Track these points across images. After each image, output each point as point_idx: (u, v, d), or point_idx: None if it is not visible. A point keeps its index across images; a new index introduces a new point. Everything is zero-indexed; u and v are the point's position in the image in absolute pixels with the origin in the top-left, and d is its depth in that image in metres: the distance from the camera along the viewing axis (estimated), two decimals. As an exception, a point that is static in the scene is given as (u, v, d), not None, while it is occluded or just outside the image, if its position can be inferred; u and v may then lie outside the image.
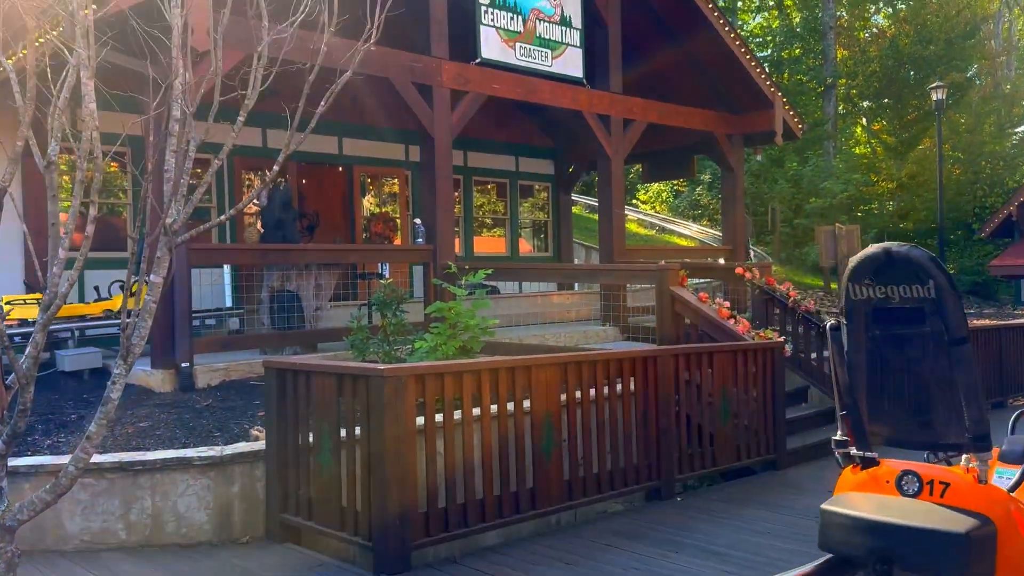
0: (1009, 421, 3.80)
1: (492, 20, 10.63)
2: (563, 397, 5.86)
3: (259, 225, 10.82)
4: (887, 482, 3.09)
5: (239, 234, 12.07)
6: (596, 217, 13.78)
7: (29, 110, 3.64)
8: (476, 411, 5.43)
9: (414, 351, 7.67)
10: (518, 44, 10.91)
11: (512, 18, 10.86)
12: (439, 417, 5.30)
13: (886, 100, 32.61)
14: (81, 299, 9.59)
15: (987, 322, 14.20)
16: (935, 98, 22.18)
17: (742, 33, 29.55)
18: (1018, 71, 36.86)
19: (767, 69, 19.87)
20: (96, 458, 5.15)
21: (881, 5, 34.56)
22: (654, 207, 34.65)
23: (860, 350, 3.22)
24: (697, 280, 14.35)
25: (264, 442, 5.68)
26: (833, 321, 3.34)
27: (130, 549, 5.27)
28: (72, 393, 7.48)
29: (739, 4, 35.67)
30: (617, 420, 6.36)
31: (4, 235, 8.52)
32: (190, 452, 5.55)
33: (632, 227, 27.09)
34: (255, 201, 10.41)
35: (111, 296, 9.31)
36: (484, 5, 10.54)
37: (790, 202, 27.60)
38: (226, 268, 10.04)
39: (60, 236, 3.65)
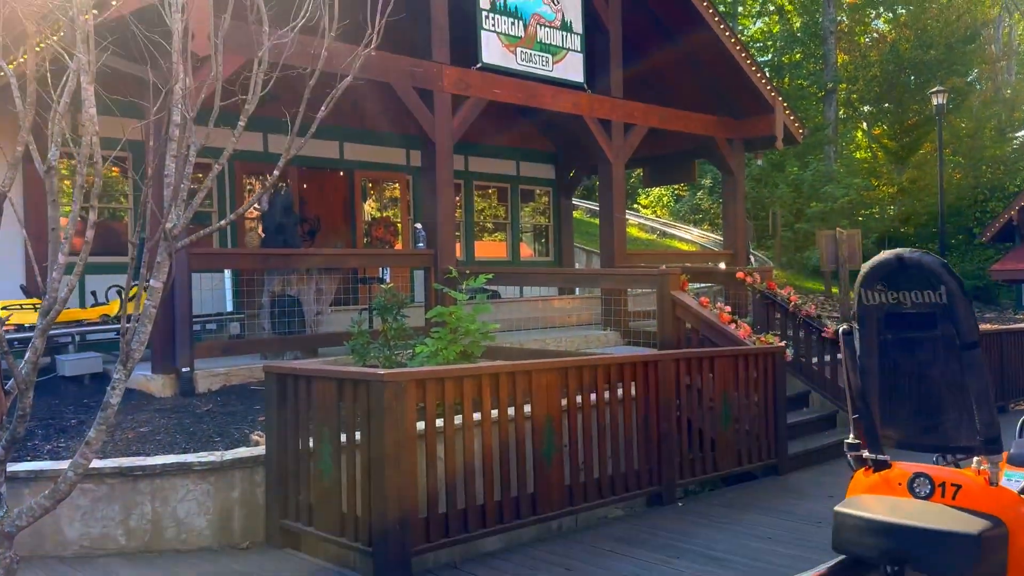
0: (1016, 424, 3.84)
1: (493, 25, 10.64)
2: (564, 402, 5.85)
3: (260, 230, 10.82)
4: (899, 484, 3.15)
5: (240, 239, 12.08)
6: (597, 221, 13.78)
7: (29, 115, 3.64)
8: (477, 416, 5.42)
9: (415, 356, 7.66)
10: (519, 49, 10.92)
11: (513, 23, 10.87)
12: (440, 422, 5.29)
13: (887, 105, 32.61)
14: (81, 304, 9.58)
15: (988, 327, 14.19)
16: (936, 103, 22.17)
17: (743, 38, 29.62)
18: (1018, 75, 36.88)
19: (768, 74, 19.87)
20: (96, 463, 5.14)
21: (881, 10, 34.59)
22: (655, 211, 34.65)
23: (872, 355, 3.28)
24: (698, 284, 14.35)
25: (264, 447, 5.67)
26: (845, 326, 3.39)
27: (130, 555, 5.25)
28: (72, 398, 7.47)
29: (740, 9, 35.71)
30: (618, 425, 6.34)
31: (3, 240, 8.52)
32: (190, 457, 5.54)
33: (633, 231, 27.09)
34: (256, 206, 10.42)
35: (108, 301, 9.30)
36: (485, 10, 10.55)
37: (791, 206, 27.59)
38: (227, 273, 10.04)
39: (60, 241, 3.65)
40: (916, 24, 31.99)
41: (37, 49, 3.76)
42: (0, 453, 3.65)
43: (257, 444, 6.03)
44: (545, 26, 11.26)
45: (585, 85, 11.70)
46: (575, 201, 19.86)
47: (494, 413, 5.46)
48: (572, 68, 11.58)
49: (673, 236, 28.97)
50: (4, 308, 8.00)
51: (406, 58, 9.58)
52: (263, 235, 10.37)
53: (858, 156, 34.41)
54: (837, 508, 3.14)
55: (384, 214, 14.56)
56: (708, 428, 7.11)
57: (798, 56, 32.99)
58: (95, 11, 3.91)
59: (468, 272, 9.37)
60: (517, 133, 15.25)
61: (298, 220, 10.75)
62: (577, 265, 18.53)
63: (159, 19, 4.15)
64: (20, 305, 8.24)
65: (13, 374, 3.53)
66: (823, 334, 9.43)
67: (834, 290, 21.72)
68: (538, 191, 16.55)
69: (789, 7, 34.77)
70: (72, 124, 6.68)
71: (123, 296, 8.84)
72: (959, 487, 3.01)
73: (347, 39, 5.18)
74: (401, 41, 8.80)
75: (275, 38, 4.37)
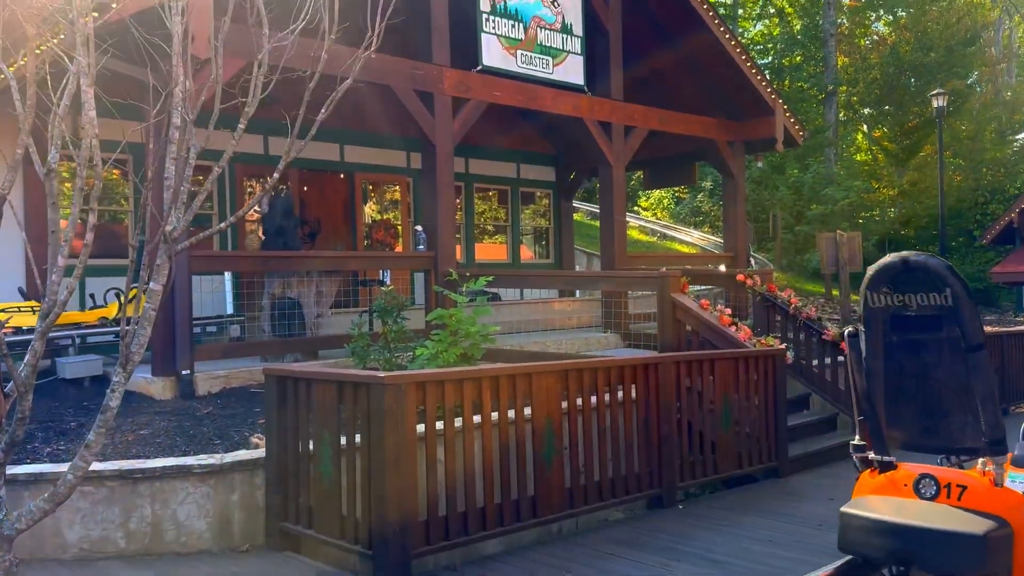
0: (1020, 427, 3.85)
1: (493, 28, 10.64)
2: (564, 404, 5.85)
3: (260, 232, 10.82)
4: (905, 485, 3.19)
5: (240, 241, 12.07)
6: (598, 224, 13.78)
7: (29, 118, 3.65)
8: (477, 418, 5.41)
9: (415, 358, 7.66)
10: (519, 51, 10.92)
11: (513, 26, 10.87)
12: (440, 424, 5.29)
13: (887, 107, 32.63)
14: (82, 307, 9.58)
15: (989, 329, 14.17)
16: (936, 105, 22.18)
17: (743, 40, 29.61)
18: (1018, 78, 36.89)
19: (768, 76, 19.87)
20: (96, 466, 5.14)
21: (882, 12, 34.62)
22: (655, 214, 34.66)
23: (878, 357, 3.32)
24: (698, 287, 14.35)
25: (264, 450, 5.67)
26: (851, 328, 3.44)
27: (129, 557, 5.25)
28: (72, 400, 7.46)
29: (740, 12, 35.74)
30: (618, 427, 6.34)
31: (3, 243, 8.51)
32: (190, 460, 5.54)
33: (633, 234, 27.08)
34: (256, 208, 10.41)
35: (107, 304, 9.29)
36: (485, 13, 10.56)
37: (791, 209, 27.59)
38: (227, 275, 10.03)
39: (60, 244, 3.65)
40: (916, 27, 32.01)
41: (37, 52, 3.76)
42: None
43: (257, 447, 6.03)
44: (545, 28, 11.27)
45: (585, 87, 11.70)
46: (575, 203, 19.86)
47: (494, 416, 5.45)
48: (572, 70, 11.58)
49: (673, 238, 28.97)
50: (2, 311, 7.99)
51: (407, 60, 9.58)
52: (263, 237, 10.37)
53: (858, 158, 34.41)
54: (843, 509, 3.18)
55: (384, 216, 14.57)
56: (708, 431, 7.10)
57: (798, 58, 33.00)
58: (95, 14, 3.92)
59: (468, 274, 9.37)
60: (517, 135, 15.26)
61: (298, 222, 10.75)
62: (577, 267, 18.53)
63: (159, 22, 4.15)
64: (18, 308, 8.23)
65: (12, 377, 3.53)
66: (823, 336, 9.42)
67: (834, 292, 21.72)
68: (538, 193, 16.55)
69: (789, 10, 34.80)
70: (73, 127, 6.69)
71: (121, 299, 8.86)
72: (964, 488, 3.04)
73: (348, 42, 5.19)
74: (402, 44, 8.81)
75: (275, 41, 4.37)
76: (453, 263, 10.15)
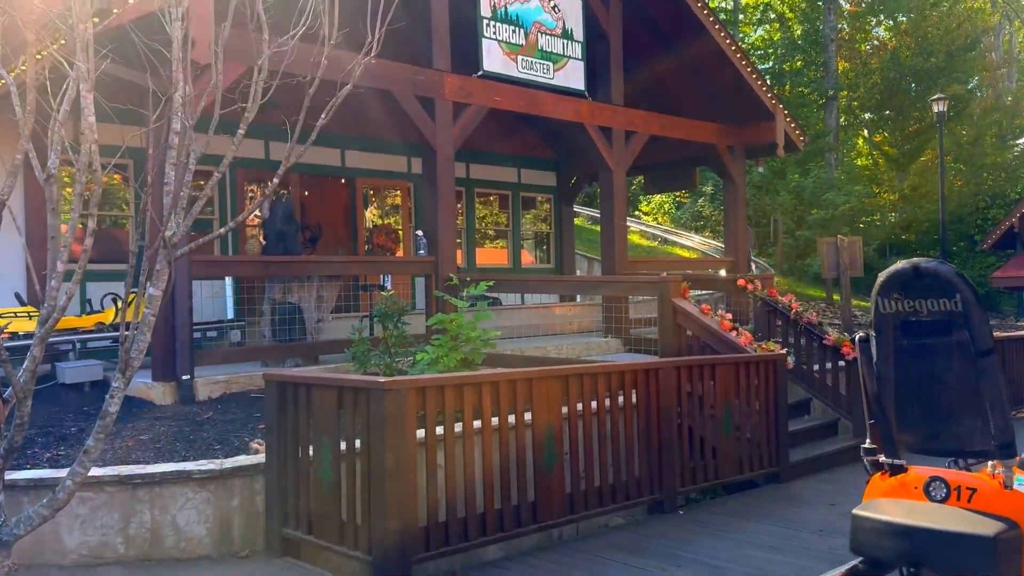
0: (1021, 431, 3.87)
1: (494, 33, 10.66)
2: (564, 410, 5.84)
3: (261, 237, 10.82)
4: (915, 488, 3.25)
5: (241, 246, 12.08)
6: (598, 228, 13.78)
7: (29, 123, 3.65)
8: (477, 424, 5.40)
9: (415, 363, 7.65)
10: (520, 57, 10.93)
11: (514, 31, 10.89)
12: (440, 430, 5.27)
13: (887, 112, 32.66)
14: (83, 312, 9.58)
15: (991, 334, 14.15)
16: (936, 110, 22.18)
17: (743, 46, 29.66)
18: (1019, 83, 36.94)
19: (768, 81, 19.90)
20: (95, 471, 5.13)
21: (882, 18, 34.66)
22: (656, 218, 34.68)
23: (888, 361, 3.39)
24: (699, 292, 14.34)
25: (264, 455, 5.66)
26: (862, 334, 3.50)
27: (128, 563, 5.23)
28: (73, 406, 7.45)
29: (740, 17, 35.81)
30: (619, 433, 6.33)
31: (2, 248, 8.51)
32: (189, 465, 5.53)
33: (634, 238, 27.09)
34: (257, 213, 10.42)
35: (103, 309, 9.28)
36: (486, 18, 10.57)
37: (792, 214, 27.60)
38: (228, 280, 10.03)
39: (59, 249, 3.64)
40: (917, 32, 32.07)
41: (37, 58, 3.77)
42: (-2, 461, 3.65)
43: (257, 452, 6.01)
44: (546, 34, 11.28)
45: (586, 93, 11.71)
46: (576, 208, 19.86)
47: (494, 421, 5.44)
48: (573, 76, 11.59)
49: (674, 243, 28.98)
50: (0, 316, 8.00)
51: (407, 66, 9.59)
52: (264, 242, 10.37)
53: (859, 163, 34.45)
54: (855, 511, 3.23)
55: (385, 221, 14.58)
56: (709, 436, 7.09)
57: (799, 63, 33.04)
58: (96, 19, 3.92)
59: (469, 279, 9.37)
60: (518, 140, 15.27)
61: (299, 227, 10.76)
62: (578, 272, 18.52)
63: (159, 27, 4.15)
64: (14, 313, 8.22)
65: (11, 382, 3.52)
66: (824, 341, 9.40)
67: (835, 297, 21.72)
68: (539, 198, 16.56)
69: (790, 15, 34.85)
70: (73, 132, 6.69)
71: (118, 304, 8.85)
72: (974, 491, 3.11)
73: (349, 47, 5.19)
74: (403, 49, 8.81)
75: (275, 46, 4.38)
76: (454, 268, 10.14)
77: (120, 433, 6.42)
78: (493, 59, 10.62)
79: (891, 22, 34.63)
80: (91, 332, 8.63)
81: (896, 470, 3.33)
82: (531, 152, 15.87)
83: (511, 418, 5.49)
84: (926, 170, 30.87)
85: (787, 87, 31.68)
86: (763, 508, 6.79)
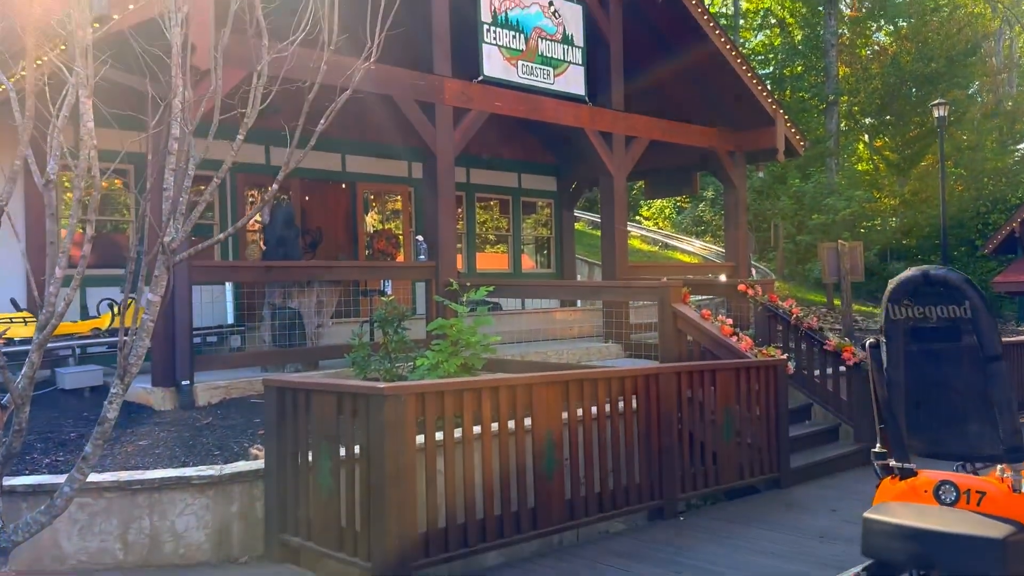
0: None
1: (494, 38, 10.67)
2: (565, 415, 5.82)
3: (261, 242, 10.82)
4: (925, 491, 3.32)
5: (241, 251, 12.08)
6: (599, 233, 13.78)
7: (28, 129, 3.64)
8: (477, 429, 5.39)
9: (415, 368, 7.65)
10: (520, 62, 10.94)
11: (514, 36, 10.90)
12: (440, 436, 5.26)
13: (888, 117, 32.68)
14: (83, 317, 9.57)
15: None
16: (937, 115, 22.19)
17: (744, 51, 29.70)
18: (1019, 88, 36.97)
19: (769, 86, 19.91)
20: (94, 477, 5.12)
21: (883, 23, 34.70)
22: (657, 223, 34.67)
23: (899, 367, 3.46)
24: (700, 297, 14.31)
25: (263, 461, 5.65)
26: (873, 340, 3.57)
27: (128, 569, 5.22)
28: (72, 411, 7.44)
29: (741, 22, 35.85)
30: (619, 438, 6.31)
31: (2, 253, 8.50)
32: (189, 471, 5.52)
33: (635, 243, 27.09)
34: (257, 218, 10.42)
35: (99, 314, 9.27)
36: (487, 24, 10.58)
37: (793, 218, 27.60)
38: (228, 285, 10.03)
39: (58, 255, 3.64)
40: (917, 37, 32.10)
41: (37, 63, 3.77)
42: (-4, 468, 3.64)
43: (256, 458, 6.01)
44: (546, 39, 11.30)
45: (586, 98, 11.72)
46: (577, 213, 19.86)
47: (494, 426, 5.43)
48: (573, 81, 11.60)
49: (675, 248, 28.97)
50: None
51: (408, 71, 9.60)
52: (264, 247, 10.37)
53: (860, 168, 34.45)
54: (866, 514, 3.30)
55: (386, 226, 14.57)
56: (710, 441, 7.07)
57: (799, 69, 33.07)
58: (96, 24, 3.92)
59: (469, 284, 9.36)
60: (519, 145, 15.28)
61: (299, 232, 10.76)
62: (579, 277, 18.51)
63: (159, 33, 4.15)
64: (10, 319, 8.21)
65: (9, 389, 3.52)
66: (825, 347, 9.39)
67: (836, 302, 21.69)
68: (540, 203, 16.56)
69: (790, 20, 34.88)
70: (73, 138, 6.69)
71: (114, 309, 8.84)
72: (984, 494, 3.17)
73: (349, 52, 5.19)
74: (403, 54, 8.83)
75: (275, 51, 4.38)
76: (454, 273, 10.14)
77: (120, 439, 6.42)
78: (493, 64, 10.63)
79: (891, 27, 34.68)
80: (87, 337, 8.61)
81: (906, 474, 3.39)
82: (532, 157, 15.88)
83: (511, 424, 5.47)
84: (927, 175, 30.87)
85: (788, 92, 31.69)
86: (764, 514, 6.77)
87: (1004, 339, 13.50)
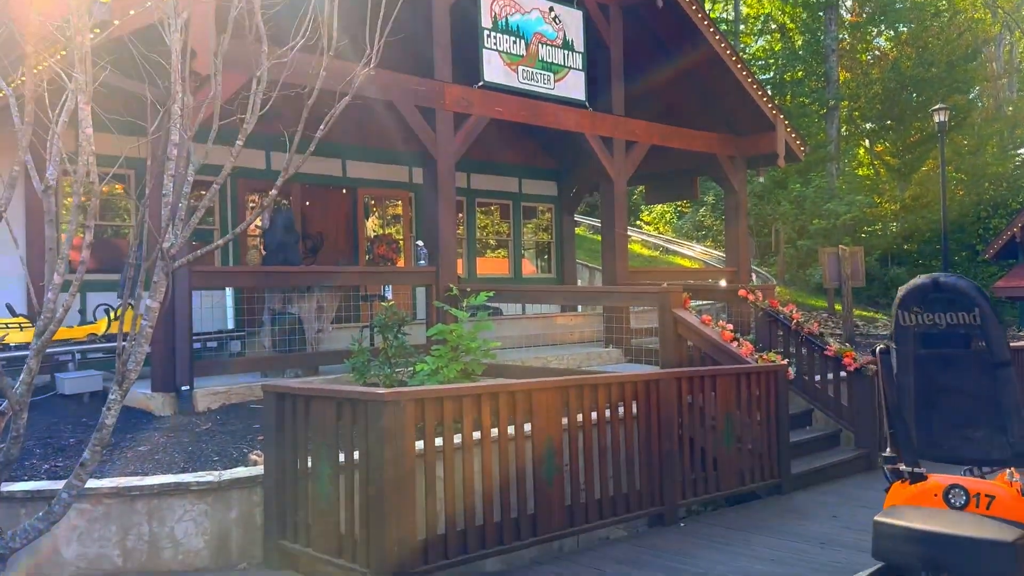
0: None
1: (495, 44, 10.68)
2: (565, 421, 5.81)
3: (262, 247, 10.82)
4: (935, 495, 3.36)
5: (241, 256, 12.07)
6: (599, 238, 13.78)
7: (27, 134, 3.64)
8: (476, 435, 5.38)
9: (415, 374, 7.63)
10: (521, 67, 10.95)
11: (515, 42, 10.91)
12: (439, 441, 5.25)
13: (888, 122, 32.67)
14: (83, 322, 9.56)
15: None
16: (937, 120, 22.17)
17: (744, 56, 29.72)
18: (1020, 93, 36.97)
19: (769, 91, 19.92)
20: (93, 483, 5.11)
21: (883, 28, 34.72)
22: (657, 228, 34.68)
23: (908, 372, 3.51)
24: (700, 302, 14.31)
25: (263, 467, 5.63)
26: (883, 345, 3.64)
27: (126, 575, 5.20)
28: (71, 416, 7.43)
29: (741, 27, 35.89)
30: (619, 444, 6.29)
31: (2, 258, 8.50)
32: (188, 477, 5.51)
33: (635, 248, 27.09)
34: (257, 223, 10.41)
35: (95, 320, 9.26)
36: (487, 29, 10.60)
37: (793, 223, 27.59)
38: (228, 290, 10.02)
39: (57, 261, 3.63)
40: (917, 42, 32.12)
41: (36, 69, 3.77)
42: (-6, 474, 3.63)
43: (255, 464, 5.99)
44: (547, 45, 11.30)
45: (587, 103, 11.73)
46: (577, 218, 19.87)
47: (494, 432, 5.41)
48: (574, 86, 11.61)
49: (676, 253, 28.96)
50: None
51: (408, 76, 9.61)
52: (264, 252, 10.36)
53: (860, 173, 34.45)
54: (877, 518, 3.34)
55: (386, 231, 14.57)
56: (710, 447, 7.05)
57: (800, 74, 33.09)
58: (96, 30, 3.92)
59: (470, 289, 9.35)
60: (519, 150, 15.28)
61: (300, 237, 10.75)
62: (579, 282, 18.50)
63: (159, 38, 4.15)
64: (6, 324, 8.20)
65: (6, 395, 3.51)
66: (826, 352, 9.37)
67: (837, 307, 21.67)
68: (540, 208, 16.56)
69: (791, 25, 34.92)
70: (73, 143, 6.69)
71: (111, 315, 8.82)
72: (993, 498, 3.20)
73: (350, 58, 5.19)
74: (404, 59, 8.84)
75: (275, 57, 4.38)
76: (454, 278, 10.13)
77: (119, 444, 6.40)
78: (494, 70, 10.64)
79: (892, 32, 34.70)
80: (83, 343, 8.59)
81: (916, 478, 3.43)
82: (532, 162, 15.89)
83: (511, 429, 5.46)
84: (927, 180, 30.87)
85: (788, 97, 31.72)
86: (764, 520, 6.74)
87: (1012, 344, 13.52)
